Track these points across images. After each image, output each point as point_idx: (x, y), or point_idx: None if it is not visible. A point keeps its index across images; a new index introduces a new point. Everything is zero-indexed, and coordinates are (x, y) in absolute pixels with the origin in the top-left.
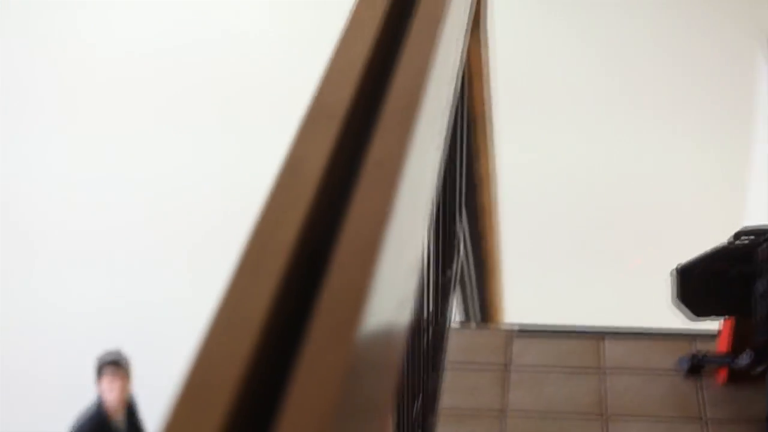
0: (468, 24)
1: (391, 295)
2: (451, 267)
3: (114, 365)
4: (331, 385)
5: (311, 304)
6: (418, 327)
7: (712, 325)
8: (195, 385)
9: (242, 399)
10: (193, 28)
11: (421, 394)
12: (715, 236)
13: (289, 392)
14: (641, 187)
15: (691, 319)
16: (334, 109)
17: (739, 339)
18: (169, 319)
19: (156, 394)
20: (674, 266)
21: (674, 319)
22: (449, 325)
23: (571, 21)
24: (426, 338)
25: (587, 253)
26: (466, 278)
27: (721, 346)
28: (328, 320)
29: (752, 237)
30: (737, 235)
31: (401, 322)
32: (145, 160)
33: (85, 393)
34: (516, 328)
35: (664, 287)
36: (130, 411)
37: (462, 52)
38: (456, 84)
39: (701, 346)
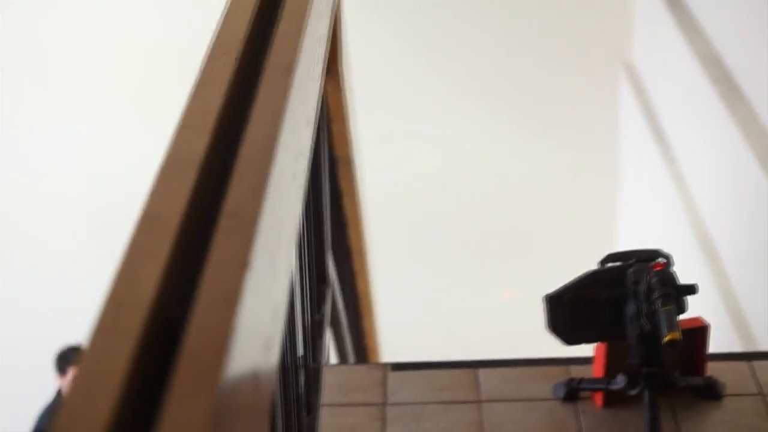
0: (323, 70)
1: (256, 339)
2: (322, 307)
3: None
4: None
5: (173, 357)
6: (289, 369)
7: (587, 349)
8: None
9: None
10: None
11: None
12: (588, 261)
13: None
14: (513, 213)
15: (567, 345)
16: (190, 159)
17: (613, 362)
18: None
19: None
20: (544, 294)
21: (551, 344)
22: (323, 366)
23: (437, 44)
24: (299, 380)
25: (459, 282)
26: (340, 319)
27: (597, 370)
28: (190, 370)
29: (620, 261)
30: (605, 260)
31: (269, 366)
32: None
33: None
34: (390, 364)
35: (538, 313)
36: None
37: (318, 97)
38: (315, 128)
39: (577, 371)
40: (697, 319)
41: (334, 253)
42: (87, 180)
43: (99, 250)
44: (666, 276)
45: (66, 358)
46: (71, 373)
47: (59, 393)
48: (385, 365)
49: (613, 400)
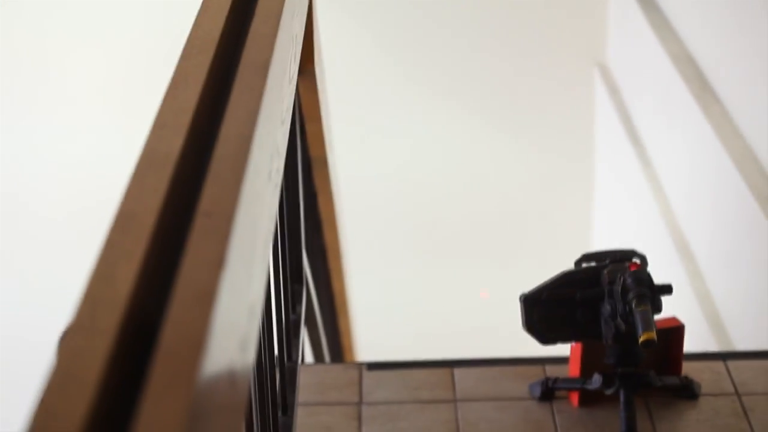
0: (297, 68)
1: (232, 338)
2: (299, 306)
3: None
4: (173, 430)
5: (149, 356)
6: (266, 368)
7: (563, 349)
8: None
9: None
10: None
11: None
12: (563, 260)
13: None
14: (488, 212)
15: (542, 344)
16: (165, 158)
17: (589, 362)
18: None
19: None
20: (521, 293)
21: (526, 343)
22: (299, 365)
23: (411, 44)
24: (275, 379)
25: (434, 281)
26: (316, 318)
27: (572, 370)
28: (166, 368)
29: (596, 261)
30: (581, 260)
31: (245, 364)
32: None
33: None
34: (366, 363)
35: (514, 312)
36: None
37: (294, 96)
38: (290, 127)
39: (553, 371)
40: (672, 319)
41: (310, 253)
42: (80, 178)
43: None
44: (641, 276)
45: None
46: None
47: None
48: (361, 364)
49: (588, 399)
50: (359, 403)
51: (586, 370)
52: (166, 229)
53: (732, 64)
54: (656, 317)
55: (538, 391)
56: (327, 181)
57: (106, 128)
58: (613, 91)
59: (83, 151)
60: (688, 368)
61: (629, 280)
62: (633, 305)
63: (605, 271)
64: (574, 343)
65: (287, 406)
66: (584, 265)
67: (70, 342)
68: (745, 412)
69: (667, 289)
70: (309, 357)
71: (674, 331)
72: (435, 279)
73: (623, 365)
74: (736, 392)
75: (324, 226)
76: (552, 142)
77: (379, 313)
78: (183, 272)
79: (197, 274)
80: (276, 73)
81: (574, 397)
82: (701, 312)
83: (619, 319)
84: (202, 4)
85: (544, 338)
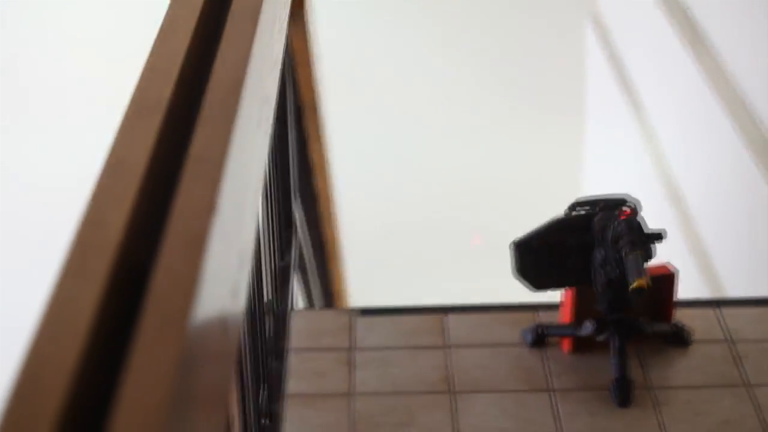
0: (288, 13)
1: (223, 284)
2: (289, 253)
3: None
4: (164, 377)
5: (140, 302)
6: (257, 314)
7: (555, 295)
8: (23, 395)
9: (73, 402)
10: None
11: (265, 382)
12: (554, 208)
13: (121, 390)
14: (478, 165)
15: (533, 291)
16: (155, 104)
17: (581, 308)
18: None
19: None
20: (512, 240)
21: (517, 291)
22: (291, 311)
23: (399, 6)
24: (267, 325)
25: (426, 232)
26: (307, 264)
27: (564, 316)
28: (157, 314)
29: (587, 207)
30: (573, 206)
31: (236, 310)
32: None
33: None
34: (358, 309)
35: (505, 261)
36: None
37: (284, 41)
38: (281, 72)
39: (545, 317)
40: (664, 266)
41: (301, 199)
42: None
43: None
44: (633, 223)
45: None
46: None
47: None
48: (353, 310)
49: (580, 346)
50: (351, 348)
51: (578, 316)
52: (157, 174)
53: (724, 13)
54: (648, 264)
55: (530, 338)
56: (317, 127)
57: (103, 121)
58: (606, 42)
59: (81, 146)
60: (680, 315)
61: (621, 227)
62: (624, 252)
63: (597, 218)
64: (566, 289)
65: (279, 351)
66: (576, 211)
67: (60, 287)
68: (738, 359)
69: (659, 236)
70: (301, 304)
71: (666, 278)
72: (427, 226)
73: (614, 312)
74: (728, 339)
75: (315, 172)
76: (544, 95)
77: (372, 259)
78: (174, 218)
79: (188, 220)
80: (267, 18)
81: (566, 344)
82: (693, 259)
83: (610, 265)
84: None
85: (536, 285)
